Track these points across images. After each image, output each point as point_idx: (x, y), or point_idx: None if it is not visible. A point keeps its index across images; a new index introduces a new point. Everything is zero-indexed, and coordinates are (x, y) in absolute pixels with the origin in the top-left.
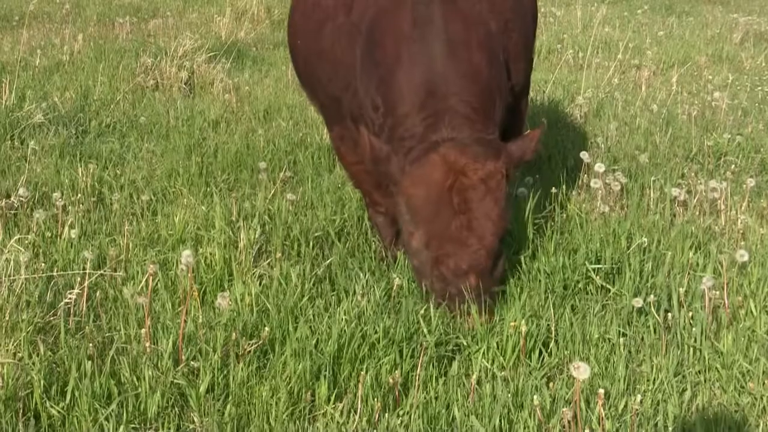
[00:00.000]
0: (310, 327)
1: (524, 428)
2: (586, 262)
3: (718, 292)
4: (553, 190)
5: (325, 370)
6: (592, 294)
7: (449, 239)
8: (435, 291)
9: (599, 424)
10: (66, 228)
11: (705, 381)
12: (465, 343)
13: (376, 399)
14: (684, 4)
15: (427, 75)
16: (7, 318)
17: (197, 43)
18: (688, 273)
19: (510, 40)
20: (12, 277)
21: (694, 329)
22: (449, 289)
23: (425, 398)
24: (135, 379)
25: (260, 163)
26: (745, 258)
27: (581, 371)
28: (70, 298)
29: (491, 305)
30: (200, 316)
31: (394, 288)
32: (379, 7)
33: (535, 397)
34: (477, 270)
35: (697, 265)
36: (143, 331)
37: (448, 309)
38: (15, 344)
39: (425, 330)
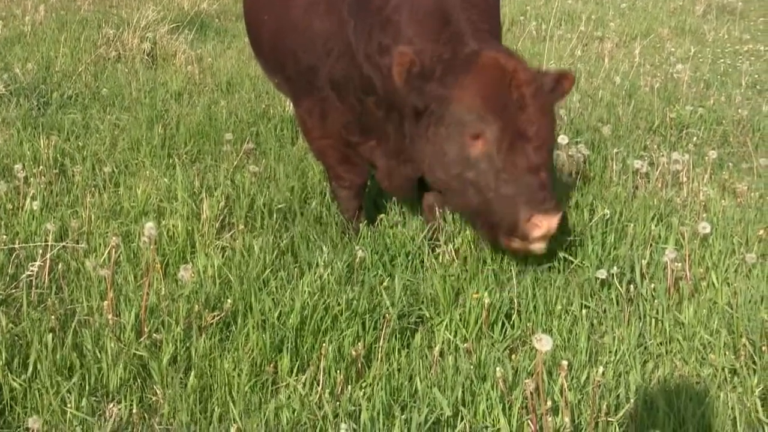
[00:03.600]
0: (273, 299)
1: (487, 400)
2: None
3: (680, 264)
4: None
5: (288, 342)
6: (554, 266)
7: (518, 134)
8: (499, 200)
9: (561, 395)
10: (28, 200)
11: (667, 352)
12: (428, 315)
13: (338, 371)
14: None
15: (438, 5)
16: None
17: (160, 15)
18: (651, 245)
19: None
20: None
21: (656, 301)
22: (517, 191)
23: (388, 370)
24: (97, 351)
25: (226, 134)
26: (707, 230)
27: (544, 343)
28: (32, 271)
29: (561, 205)
30: (163, 288)
31: (357, 261)
32: None
33: (497, 368)
34: (544, 165)
35: (660, 237)
36: (105, 303)
37: (516, 213)
38: None
39: (388, 302)
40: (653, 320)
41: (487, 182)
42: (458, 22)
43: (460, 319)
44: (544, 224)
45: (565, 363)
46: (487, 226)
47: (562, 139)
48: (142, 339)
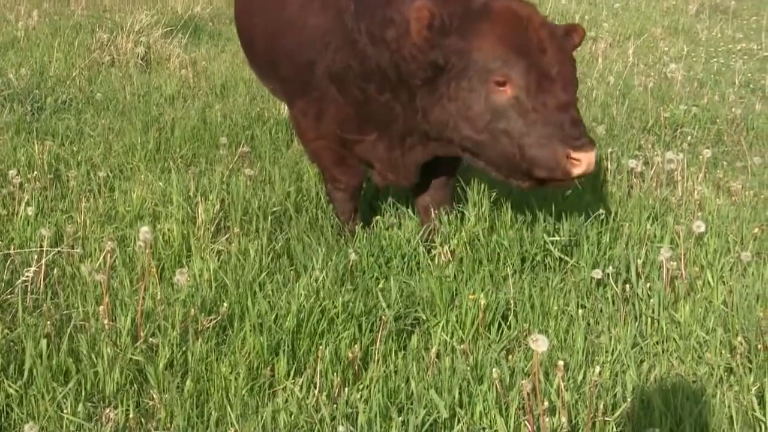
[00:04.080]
0: (269, 302)
1: (483, 401)
2: (544, 235)
3: (675, 263)
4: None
5: (284, 345)
6: (550, 266)
7: (544, 75)
8: (534, 143)
9: (558, 396)
10: (23, 205)
11: (663, 352)
12: (424, 317)
13: (335, 374)
14: None
15: None
16: None
17: (153, 19)
18: (646, 244)
19: None
20: None
21: (651, 300)
22: (550, 131)
23: (384, 372)
24: (93, 356)
25: (221, 138)
26: (702, 229)
27: (540, 344)
28: (27, 276)
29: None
30: (158, 293)
31: (353, 263)
32: None
33: (494, 369)
34: (573, 103)
35: (655, 236)
36: (101, 308)
37: (553, 152)
38: None
39: (384, 304)
40: (649, 319)
41: (518, 127)
42: None
43: (457, 321)
44: (584, 160)
45: (561, 363)
46: (521, 173)
47: None
48: (138, 344)
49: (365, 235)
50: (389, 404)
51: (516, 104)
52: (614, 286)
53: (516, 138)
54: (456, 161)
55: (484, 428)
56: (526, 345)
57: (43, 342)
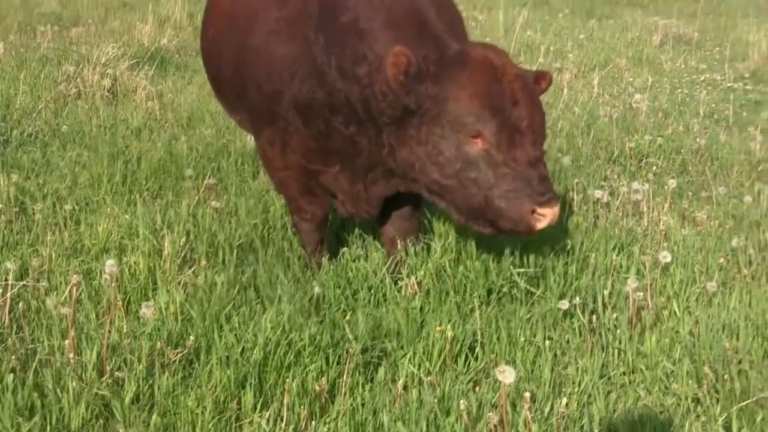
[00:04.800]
0: (236, 335)
1: None
2: (511, 266)
3: (641, 294)
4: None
5: (251, 378)
6: (517, 298)
7: (515, 129)
8: (501, 195)
9: (526, 427)
10: None
11: (630, 383)
12: (391, 349)
13: (302, 406)
14: (604, 7)
15: (411, 10)
16: None
17: (120, 51)
18: (612, 275)
19: None
20: None
21: (618, 331)
22: (518, 186)
23: (352, 405)
24: (59, 390)
25: (187, 170)
26: (668, 259)
27: (507, 375)
28: None
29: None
30: (125, 326)
31: (319, 295)
32: None
33: (461, 401)
34: (542, 158)
35: (621, 266)
36: (67, 342)
37: (518, 207)
38: None
39: (351, 336)
40: (616, 350)
41: (488, 178)
42: (435, 25)
43: (424, 352)
44: (548, 215)
45: (528, 395)
46: (487, 223)
47: None
48: (104, 378)
49: (332, 266)
50: None
51: (487, 156)
52: (581, 317)
53: (484, 188)
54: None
55: None
56: (494, 376)
57: (8, 376)
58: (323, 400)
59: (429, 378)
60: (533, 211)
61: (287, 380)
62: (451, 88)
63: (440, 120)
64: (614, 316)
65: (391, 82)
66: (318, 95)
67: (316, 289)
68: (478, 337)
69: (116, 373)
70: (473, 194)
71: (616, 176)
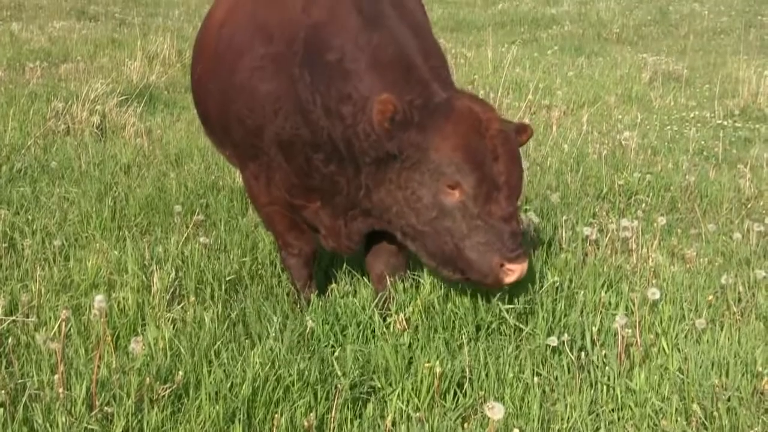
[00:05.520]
0: (224, 370)
1: None
2: (499, 303)
3: (630, 331)
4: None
5: (240, 414)
6: (505, 334)
7: (493, 184)
8: (472, 247)
9: None
10: None
11: (619, 419)
12: (379, 385)
13: None
14: (593, 44)
15: (398, 53)
16: None
17: (109, 87)
18: (601, 312)
19: None
20: None
21: (607, 368)
22: (490, 239)
23: None
24: (48, 425)
25: (175, 206)
26: (657, 296)
27: (496, 411)
28: None
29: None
30: (114, 361)
31: (308, 330)
32: (313, 22)
33: None
34: (515, 214)
35: (610, 303)
36: (56, 377)
37: (487, 262)
38: None
39: (339, 372)
40: (605, 387)
41: (461, 229)
42: (421, 70)
43: (412, 389)
44: (516, 270)
45: (517, 431)
46: (456, 270)
47: None
48: (93, 412)
49: (320, 302)
50: None
51: (462, 208)
52: (569, 354)
53: (457, 238)
54: None
55: None
56: (482, 413)
57: None
58: None
59: (417, 414)
60: (502, 265)
61: (276, 416)
62: (434, 138)
63: (421, 167)
64: (603, 352)
65: (377, 128)
66: (301, 132)
67: (309, 323)
68: (467, 373)
69: (105, 408)
70: (446, 242)
71: (605, 213)
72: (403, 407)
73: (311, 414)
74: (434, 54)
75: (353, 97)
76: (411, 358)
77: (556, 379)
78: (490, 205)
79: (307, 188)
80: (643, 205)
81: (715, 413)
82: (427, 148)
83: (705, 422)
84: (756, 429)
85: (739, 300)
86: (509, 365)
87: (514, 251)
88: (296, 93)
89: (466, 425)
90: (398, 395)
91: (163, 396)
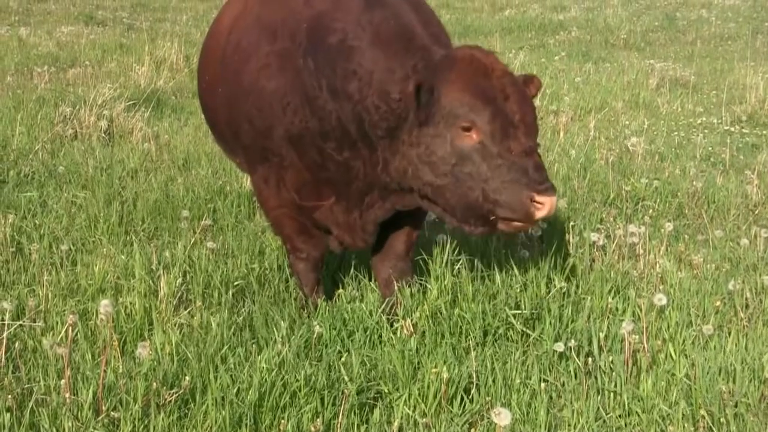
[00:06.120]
0: (231, 375)
1: None
2: (506, 308)
3: (637, 336)
4: (473, 237)
5: (247, 419)
6: (512, 339)
7: (508, 121)
8: (498, 187)
9: None
10: None
11: (626, 425)
12: (386, 390)
13: None
14: (600, 50)
15: (399, 26)
16: None
17: (116, 92)
18: (608, 317)
19: None
20: None
21: (614, 374)
22: (514, 176)
23: None
24: (55, 430)
25: (183, 211)
26: (664, 302)
27: (502, 417)
28: None
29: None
30: (120, 366)
31: (315, 336)
32: (316, 13)
33: None
34: (535, 149)
35: (617, 309)
36: (63, 381)
37: (514, 198)
38: None
39: (346, 377)
40: (612, 393)
41: (483, 171)
42: (422, 37)
43: (419, 394)
44: (546, 203)
45: None
46: (480, 216)
47: None
48: (100, 417)
49: (327, 308)
50: None
51: (481, 149)
52: (576, 360)
53: (481, 182)
54: (414, 232)
55: None
56: (489, 418)
57: (5, 416)
58: None
59: (424, 420)
60: (532, 199)
61: (282, 421)
62: (441, 87)
63: (433, 119)
64: (610, 358)
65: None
66: (310, 124)
67: (317, 328)
68: (474, 379)
69: (112, 413)
70: (469, 189)
71: (612, 219)
72: (410, 413)
73: (318, 419)
74: (434, 23)
75: (358, 73)
76: (418, 363)
77: (563, 384)
78: (508, 141)
79: (320, 184)
80: (650, 210)
81: (723, 419)
82: (437, 98)
83: (712, 428)
84: None
85: (747, 306)
86: (516, 371)
87: (542, 183)
88: (302, 84)
89: (472, 431)
90: (405, 401)
91: (170, 401)
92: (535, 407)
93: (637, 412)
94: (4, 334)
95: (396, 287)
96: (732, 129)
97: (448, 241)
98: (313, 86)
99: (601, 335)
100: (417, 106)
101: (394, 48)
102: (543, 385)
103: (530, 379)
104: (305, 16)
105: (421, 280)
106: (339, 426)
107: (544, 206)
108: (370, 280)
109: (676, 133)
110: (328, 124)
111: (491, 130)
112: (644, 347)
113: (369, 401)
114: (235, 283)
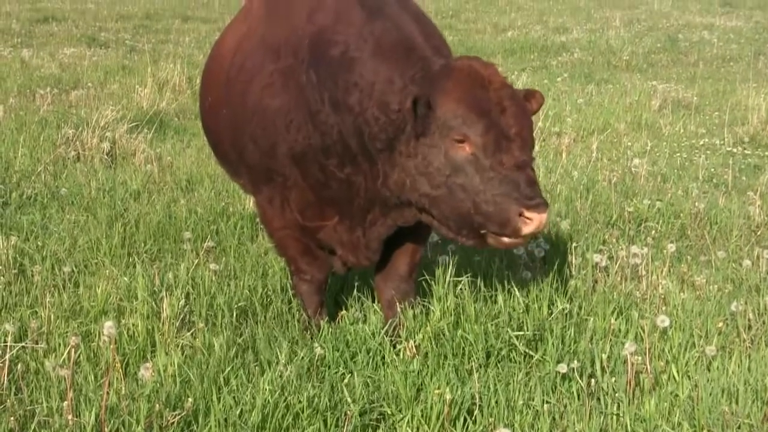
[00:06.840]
0: (234, 397)
1: None
2: (509, 329)
3: (640, 358)
4: (476, 257)
5: None
6: (515, 361)
7: (503, 135)
8: (489, 200)
9: None
10: None
11: None
12: (389, 412)
13: None
14: (603, 71)
15: (400, 37)
16: None
17: (119, 114)
18: (611, 338)
19: None
20: None
21: (617, 395)
22: (505, 189)
23: None
24: None
25: (185, 233)
26: (666, 323)
27: None
28: None
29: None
30: (123, 388)
31: (318, 357)
32: (318, 28)
33: None
34: (530, 163)
35: (620, 330)
36: (65, 403)
37: (507, 209)
38: None
39: (349, 399)
40: (614, 414)
41: (475, 183)
42: (423, 48)
43: (422, 416)
44: (535, 219)
45: None
46: (472, 228)
47: None
48: None
49: (330, 329)
50: None
51: (474, 161)
52: (579, 381)
53: (472, 194)
54: (417, 253)
55: None
56: None
57: None
58: None
59: None
60: (521, 214)
61: None
62: (437, 97)
63: (429, 129)
64: (613, 380)
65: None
66: (313, 140)
67: (319, 350)
68: (477, 400)
69: None
70: (461, 201)
71: (614, 240)
72: None
73: None
74: (436, 36)
75: (359, 84)
76: (421, 384)
77: (566, 406)
78: (501, 155)
79: (323, 204)
80: (653, 232)
81: None
82: (433, 109)
83: None
84: None
85: (749, 327)
86: (519, 392)
87: (532, 199)
88: (305, 100)
89: None
90: (408, 422)
91: (173, 423)
92: (538, 428)
93: None
94: (7, 356)
95: (399, 308)
96: (734, 150)
97: (451, 262)
98: (316, 100)
99: (604, 356)
100: (414, 118)
101: (395, 58)
102: (546, 406)
103: (533, 400)
104: (308, 32)
105: (424, 301)
106: None
107: (532, 222)
108: (372, 301)
109: (678, 154)
110: (330, 138)
111: (484, 142)
112: (647, 368)
113: (372, 423)
114: (238, 305)
